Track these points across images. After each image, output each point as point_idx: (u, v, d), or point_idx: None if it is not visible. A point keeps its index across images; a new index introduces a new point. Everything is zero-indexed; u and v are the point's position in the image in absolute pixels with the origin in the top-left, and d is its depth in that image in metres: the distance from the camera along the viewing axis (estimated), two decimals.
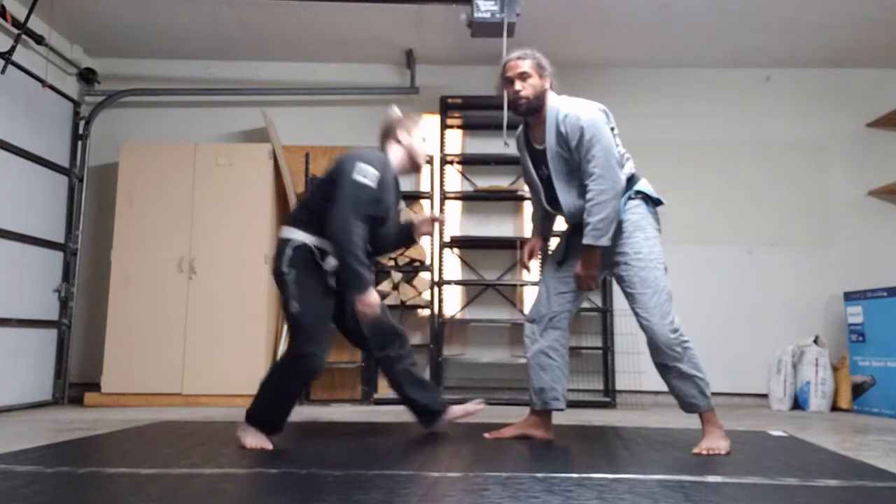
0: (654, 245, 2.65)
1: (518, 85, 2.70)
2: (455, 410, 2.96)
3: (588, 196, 2.58)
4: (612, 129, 2.68)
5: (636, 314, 2.63)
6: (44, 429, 3.33)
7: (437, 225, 2.86)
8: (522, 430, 2.87)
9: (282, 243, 2.68)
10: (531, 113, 2.75)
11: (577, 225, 2.74)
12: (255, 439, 2.59)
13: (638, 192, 2.70)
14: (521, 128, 2.88)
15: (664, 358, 2.60)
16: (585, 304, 4.74)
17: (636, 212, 2.67)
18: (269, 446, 2.58)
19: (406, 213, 2.71)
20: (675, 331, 2.58)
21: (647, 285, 2.60)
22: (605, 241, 2.59)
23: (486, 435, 2.88)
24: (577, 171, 2.65)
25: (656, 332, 2.57)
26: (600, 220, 2.56)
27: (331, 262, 2.65)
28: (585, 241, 2.61)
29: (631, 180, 2.70)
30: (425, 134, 2.89)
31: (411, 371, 2.92)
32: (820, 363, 4.64)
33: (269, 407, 2.64)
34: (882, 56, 4.98)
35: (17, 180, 4.41)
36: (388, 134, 2.86)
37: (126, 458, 2.39)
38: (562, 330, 2.82)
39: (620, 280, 2.68)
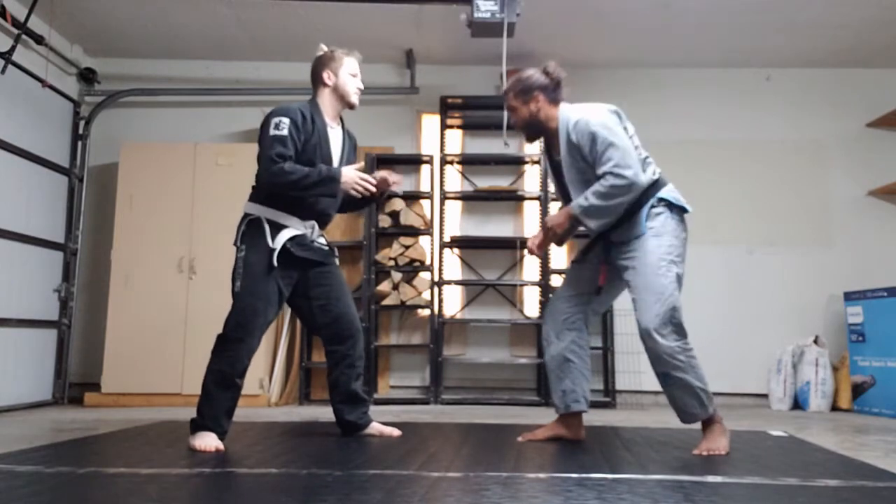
0: (665, 253, 2.54)
1: (511, 119, 2.77)
2: (375, 427, 2.89)
3: (598, 182, 2.50)
4: (625, 128, 2.60)
5: (637, 321, 2.55)
6: (44, 429, 3.33)
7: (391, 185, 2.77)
8: (553, 432, 2.81)
9: (241, 218, 2.68)
10: (534, 138, 2.80)
11: (598, 235, 2.70)
12: (201, 440, 2.51)
13: (661, 200, 2.60)
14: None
15: (666, 367, 2.51)
16: None
17: (657, 220, 2.58)
18: (217, 447, 2.49)
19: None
20: (678, 339, 2.50)
21: (651, 291, 2.51)
22: (590, 223, 2.55)
23: (520, 437, 2.83)
24: (592, 181, 2.56)
25: (656, 340, 2.48)
26: (597, 206, 2.50)
27: (280, 239, 2.59)
28: (571, 207, 2.57)
29: (654, 186, 2.60)
30: (354, 69, 2.77)
31: (349, 383, 2.83)
32: (820, 363, 4.64)
33: (203, 400, 2.57)
34: (882, 56, 4.98)
35: (17, 180, 4.41)
36: (314, 80, 2.77)
37: (126, 458, 2.39)
38: (578, 331, 2.76)
39: (627, 285, 2.62)
